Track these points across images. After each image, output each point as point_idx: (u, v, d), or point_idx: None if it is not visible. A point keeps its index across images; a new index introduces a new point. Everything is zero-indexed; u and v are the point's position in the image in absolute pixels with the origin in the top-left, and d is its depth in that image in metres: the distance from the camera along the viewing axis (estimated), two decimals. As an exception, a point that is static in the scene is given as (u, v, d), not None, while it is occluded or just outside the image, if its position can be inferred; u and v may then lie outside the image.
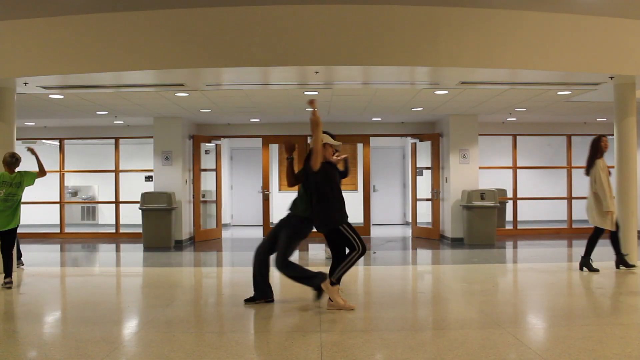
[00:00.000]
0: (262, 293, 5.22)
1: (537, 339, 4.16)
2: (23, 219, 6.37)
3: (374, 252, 9.39)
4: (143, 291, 6.35)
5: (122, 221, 12.23)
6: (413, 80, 7.43)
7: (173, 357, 3.73)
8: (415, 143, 12.20)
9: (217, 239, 11.72)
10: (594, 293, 5.71)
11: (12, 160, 6.47)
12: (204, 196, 11.91)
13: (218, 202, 12.13)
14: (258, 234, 12.10)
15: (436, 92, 8.44)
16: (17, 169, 6.52)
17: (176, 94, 8.43)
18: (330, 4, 6.03)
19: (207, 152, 12.27)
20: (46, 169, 7.17)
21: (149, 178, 12.42)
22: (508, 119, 11.73)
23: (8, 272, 6.19)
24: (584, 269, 6.88)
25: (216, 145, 12.16)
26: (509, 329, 4.29)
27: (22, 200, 6.49)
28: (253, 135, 12.19)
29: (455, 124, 10.99)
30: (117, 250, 10.40)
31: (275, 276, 7.91)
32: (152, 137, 11.19)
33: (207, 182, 12.20)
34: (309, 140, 5.01)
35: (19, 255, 7.56)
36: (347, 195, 5.08)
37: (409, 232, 12.70)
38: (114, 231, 12.25)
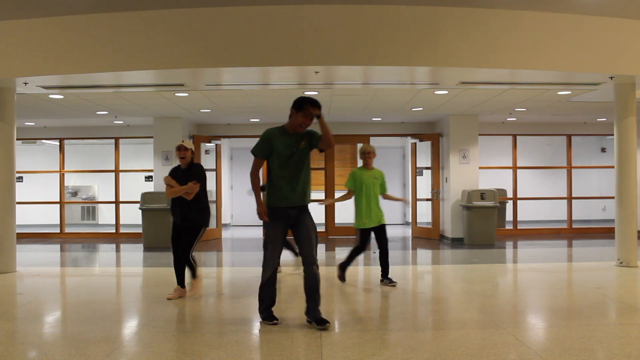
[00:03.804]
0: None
1: (537, 339, 4.16)
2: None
3: (374, 252, 9.37)
4: (143, 291, 6.34)
5: (122, 221, 12.23)
6: (413, 80, 7.43)
7: (173, 357, 3.73)
8: (415, 143, 12.21)
9: (217, 239, 11.72)
10: (594, 293, 5.70)
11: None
12: (204, 196, 11.89)
13: (218, 202, 12.13)
14: (258, 233, 12.10)
15: (436, 92, 8.44)
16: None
17: (176, 94, 8.43)
18: (330, 4, 6.04)
19: (207, 152, 12.28)
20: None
21: (149, 178, 12.42)
22: (508, 119, 11.73)
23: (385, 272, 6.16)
24: None
25: (216, 145, 12.16)
26: (509, 329, 4.29)
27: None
28: (253, 135, 12.13)
29: (455, 124, 10.99)
30: (117, 250, 10.40)
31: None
32: (152, 137, 11.19)
33: (207, 182, 12.18)
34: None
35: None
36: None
37: (409, 232, 12.70)
38: (114, 231, 12.25)
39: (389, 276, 6.11)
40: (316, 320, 4.31)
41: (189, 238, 5.45)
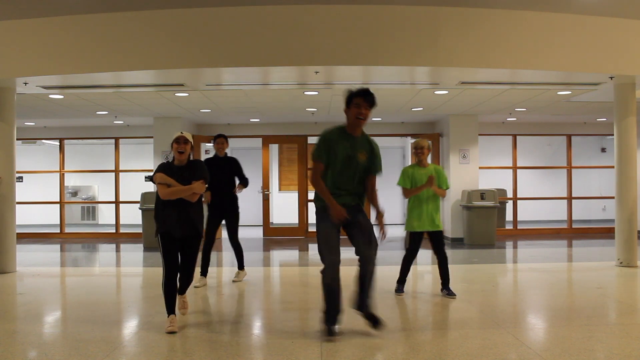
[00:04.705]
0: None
1: (537, 339, 4.16)
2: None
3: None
4: (143, 291, 6.34)
5: (122, 221, 12.23)
6: (413, 80, 7.43)
7: (173, 357, 3.74)
8: (415, 143, 12.21)
9: (217, 239, 11.70)
10: (594, 293, 5.71)
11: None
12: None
13: (218, 202, 12.11)
14: (258, 233, 12.10)
15: (436, 92, 8.44)
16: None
17: (176, 94, 8.43)
18: (330, 4, 6.04)
19: (207, 152, 12.28)
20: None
21: (149, 178, 12.42)
22: (508, 119, 11.74)
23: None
24: None
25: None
26: (509, 329, 4.29)
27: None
28: (253, 135, 12.20)
29: (455, 124, 10.99)
30: (117, 250, 10.40)
31: (276, 276, 7.90)
32: (152, 137, 11.20)
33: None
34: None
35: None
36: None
37: (409, 232, 12.69)
38: (114, 231, 12.25)
39: (449, 286, 5.52)
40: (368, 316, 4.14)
41: (194, 250, 4.50)
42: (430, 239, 5.55)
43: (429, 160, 5.71)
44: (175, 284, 4.41)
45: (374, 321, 4.14)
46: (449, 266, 5.58)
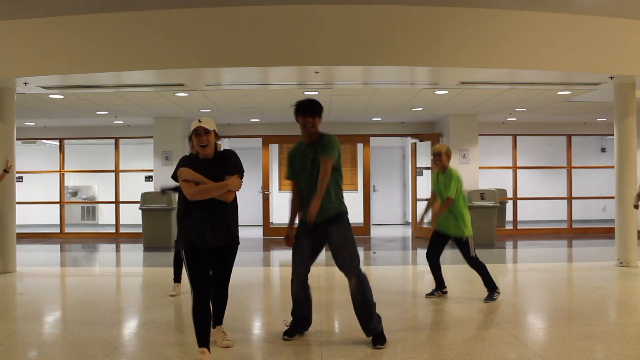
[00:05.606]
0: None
1: (537, 339, 4.16)
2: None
3: (374, 252, 9.38)
4: (143, 291, 6.35)
5: (122, 221, 12.23)
6: (413, 80, 7.43)
7: (173, 357, 3.73)
8: (415, 143, 12.21)
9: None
10: (594, 293, 5.71)
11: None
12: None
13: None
14: (258, 234, 12.10)
15: (436, 92, 8.44)
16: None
17: (176, 94, 8.43)
18: (331, 4, 6.04)
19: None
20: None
21: (149, 178, 12.42)
22: (508, 119, 11.74)
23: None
24: None
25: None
26: (509, 329, 4.29)
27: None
28: (253, 135, 12.20)
29: (455, 124, 10.99)
30: (117, 250, 10.40)
31: (276, 276, 7.90)
32: (152, 137, 11.19)
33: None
34: None
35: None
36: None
37: (409, 232, 12.70)
38: (114, 231, 12.25)
39: (492, 292, 5.32)
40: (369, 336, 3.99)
41: (230, 263, 3.85)
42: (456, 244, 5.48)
43: (454, 163, 5.63)
44: (209, 310, 3.53)
45: (374, 340, 3.92)
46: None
